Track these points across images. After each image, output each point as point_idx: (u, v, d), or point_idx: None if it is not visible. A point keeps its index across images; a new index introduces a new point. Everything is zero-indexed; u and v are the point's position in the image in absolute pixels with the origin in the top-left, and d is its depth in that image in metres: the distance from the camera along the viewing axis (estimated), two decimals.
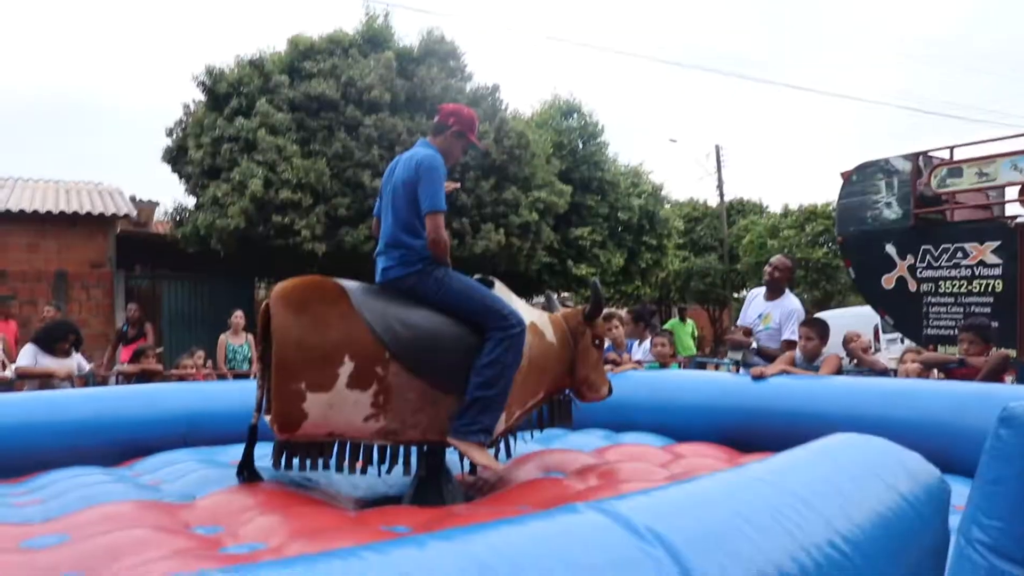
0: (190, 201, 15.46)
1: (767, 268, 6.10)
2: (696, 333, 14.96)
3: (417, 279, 3.68)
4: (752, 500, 1.29)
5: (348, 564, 1.04)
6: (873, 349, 15.41)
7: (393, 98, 14.63)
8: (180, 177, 15.42)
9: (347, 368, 3.38)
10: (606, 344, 5.80)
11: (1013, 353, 6.47)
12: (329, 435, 3.48)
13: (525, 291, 18.90)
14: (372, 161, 13.89)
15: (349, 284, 3.59)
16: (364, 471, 3.70)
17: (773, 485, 1.33)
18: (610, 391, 4.25)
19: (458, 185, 4.95)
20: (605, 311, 4.61)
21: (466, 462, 3.86)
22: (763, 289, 6.17)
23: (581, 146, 22.85)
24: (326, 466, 3.58)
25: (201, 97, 15.16)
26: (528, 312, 4.02)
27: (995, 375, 4.88)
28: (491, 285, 3.90)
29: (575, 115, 23.59)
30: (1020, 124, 40.74)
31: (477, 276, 3.96)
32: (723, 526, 1.21)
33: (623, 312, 8.84)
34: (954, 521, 2.16)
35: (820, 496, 1.32)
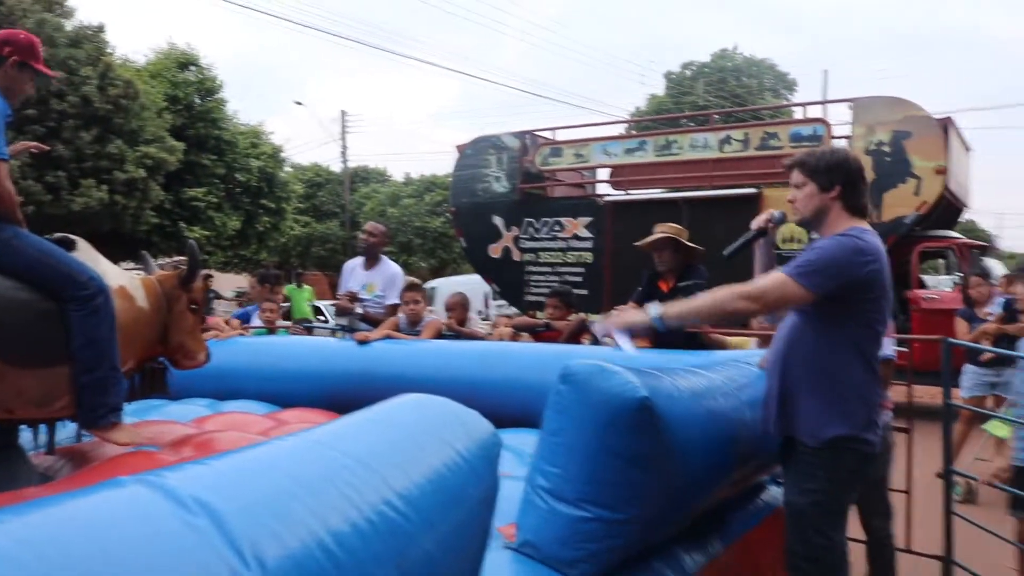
0: None
1: (362, 236, 6.15)
2: (313, 299, 14.95)
3: None
4: (310, 464, 1.28)
5: None
6: (484, 315, 16.40)
7: None
8: None
9: None
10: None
11: (592, 317, 7.19)
12: None
13: (132, 254, 17.66)
14: None
15: None
16: None
17: (333, 448, 1.34)
18: (208, 358, 4.09)
19: (46, 148, 4.41)
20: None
21: (41, 439, 3.53)
22: (360, 259, 6.22)
23: (198, 102, 21.67)
24: None
25: None
26: (117, 275, 3.72)
27: (575, 337, 5.40)
28: (72, 246, 3.55)
29: (193, 68, 22.28)
30: (613, 112, 45.37)
31: (56, 236, 3.58)
32: (276, 492, 1.19)
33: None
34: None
35: (378, 456, 1.35)
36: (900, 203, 9.45)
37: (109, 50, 16.12)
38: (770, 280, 2.75)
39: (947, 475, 4.09)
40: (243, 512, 1.13)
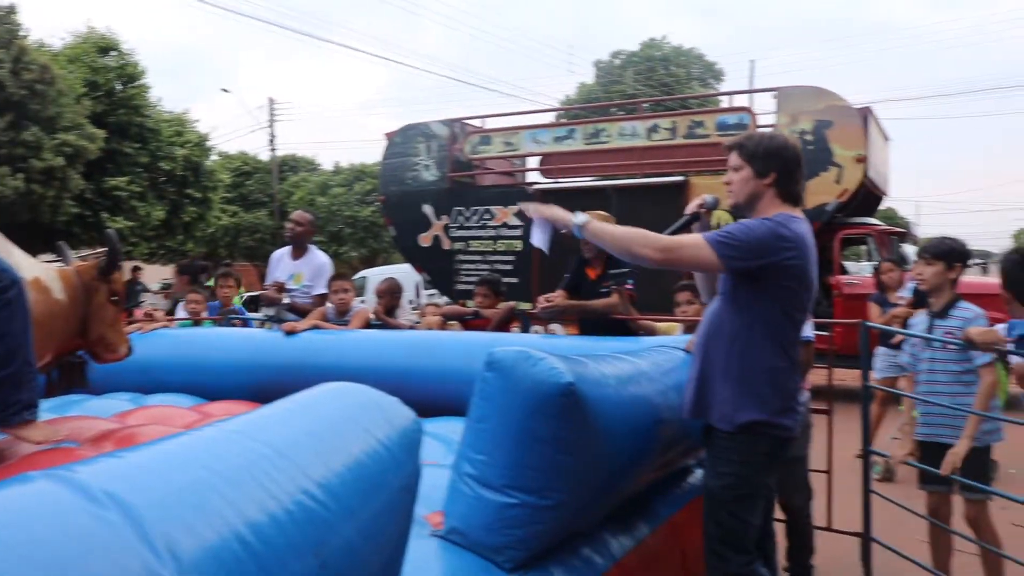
0: None
1: (289, 225, 6.08)
2: (243, 290, 14.71)
3: None
4: (226, 455, 1.27)
5: None
6: (415, 304, 16.33)
7: None
8: None
9: None
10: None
11: (522, 305, 7.22)
12: None
13: (52, 245, 17.16)
14: None
15: None
16: None
17: (250, 438, 1.32)
18: (130, 351, 4.00)
19: None
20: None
21: None
22: (288, 248, 6.15)
23: (119, 88, 21.08)
24: None
25: None
26: (32, 267, 3.61)
27: (504, 325, 5.42)
28: None
29: (113, 53, 21.65)
30: (544, 100, 45.53)
31: None
32: (191, 483, 1.17)
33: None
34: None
35: (296, 446, 1.34)
36: (822, 191, 9.67)
37: (23, 32, 15.57)
38: (687, 239, 2.74)
39: (866, 455, 4.21)
40: (156, 505, 1.11)
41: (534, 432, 2.26)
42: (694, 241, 2.70)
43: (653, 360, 3.16)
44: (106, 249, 3.93)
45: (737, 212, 2.90)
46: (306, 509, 1.27)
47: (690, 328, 4.22)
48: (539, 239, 3.06)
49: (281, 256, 6.15)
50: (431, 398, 4.32)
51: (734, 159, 2.85)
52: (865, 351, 4.26)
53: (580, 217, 2.85)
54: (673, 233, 3.07)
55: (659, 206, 10.11)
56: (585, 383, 2.33)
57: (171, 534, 1.08)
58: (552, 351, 2.45)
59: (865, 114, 9.76)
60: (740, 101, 11.14)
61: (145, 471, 1.19)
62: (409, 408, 1.66)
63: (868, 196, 10.76)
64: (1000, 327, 3.71)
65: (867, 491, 4.12)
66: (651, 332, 4.90)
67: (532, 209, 3.01)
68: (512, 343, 3.19)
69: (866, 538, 4.08)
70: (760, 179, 2.78)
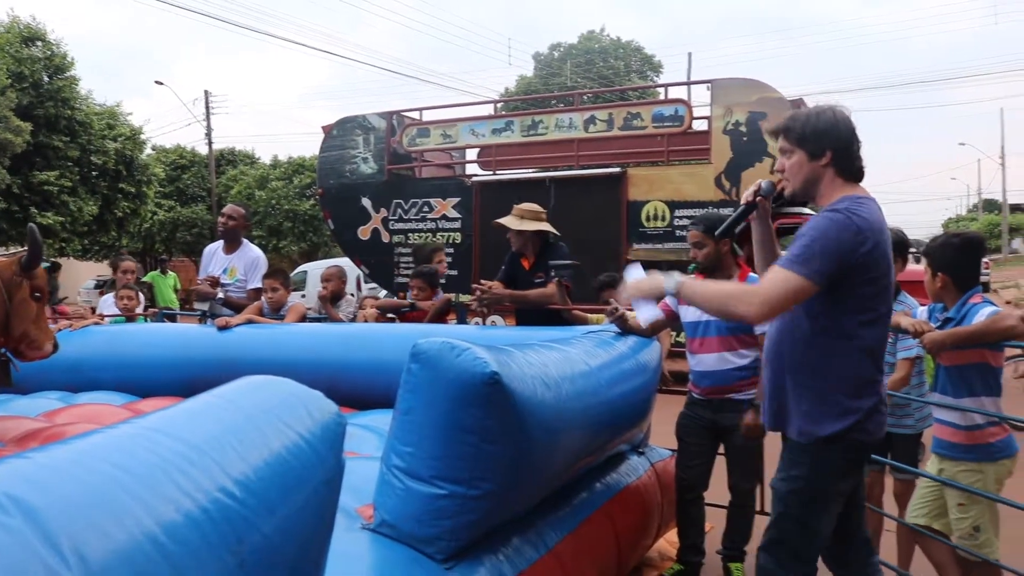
0: None
1: (221, 219, 5.99)
2: (179, 286, 14.46)
3: None
4: (138, 453, 1.24)
5: None
6: (357, 298, 16.18)
7: None
8: None
9: None
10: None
11: (463, 297, 7.20)
12: None
13: None
14: None
15: None
16: None
17: (165, 435, 1.30)
18: (55, 348, 3.91)
19: None
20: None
21: None
22: (221, 243, 6.06)
23: (47, 80, 20.52)
24: None
25: None
26: None
27: (440, 317, 5.41)
28: None
29: (39, 43, 21.06)
30: (484, 93, 45.51)
31: None
32: (101, 483, 1.14)
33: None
34: None
35: (213, 442, 1.32)
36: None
37: None
38: (770, 282, 2.47)
39: None
40: (62, 507, 1.08)
41: (460, 422, 2.27)
42: (779, 279, 2.44)
43: (582, 348, 3.18)
44: (28, 245, 3.83)
45: (796, 199, 2.70)
46: (223, 507, 1.25)
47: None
48: (645, 315, 2.95)
49: (214, 250, 6.06)
50: (367, 391, 4.32)
51: (783, 143, 2.63)
52: None
53: (672, 281, 2.65)
54: (732, 224, 2.90)
55: (597, 197, 10.17)
56: (510, 372, 2.33)
57: (78, 536, 1.06)
58: (482, 341, 2.46)
59: (798, 106, 9.90)
60: (676, 93, 11.20)
61: (51, 472, 1.16)
62: (331, 401, 1.65)
63: None
64: (921, 311, 3.80)
65: None
66: (584, 322, 4.93)
67: (629, 291, 2.82)
68: (444, 334, 3.19)
69: None
70: (815, 161, 2.55)
